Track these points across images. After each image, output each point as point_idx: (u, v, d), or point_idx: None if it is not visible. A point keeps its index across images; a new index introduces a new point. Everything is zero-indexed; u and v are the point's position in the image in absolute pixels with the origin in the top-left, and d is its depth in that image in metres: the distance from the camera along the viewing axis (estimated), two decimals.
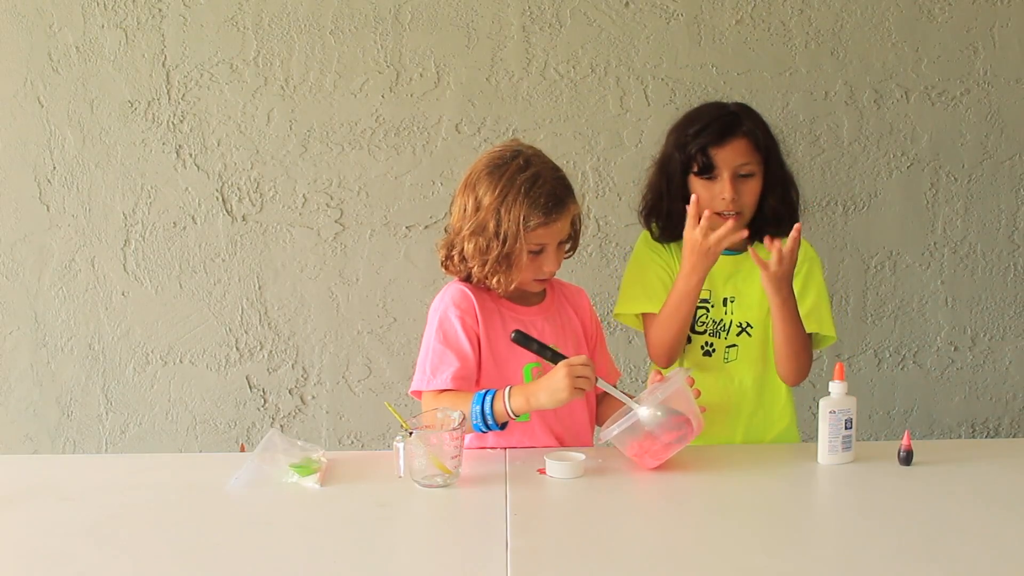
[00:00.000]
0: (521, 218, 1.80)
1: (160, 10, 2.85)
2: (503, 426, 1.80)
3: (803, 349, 2.03)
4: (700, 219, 1.90)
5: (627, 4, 2.88)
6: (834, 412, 1.77)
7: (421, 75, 2.89)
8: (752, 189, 2.02)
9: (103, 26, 2.86)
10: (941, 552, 1.40)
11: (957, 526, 1.50)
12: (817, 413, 1.79)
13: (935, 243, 3.02)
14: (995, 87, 2.96)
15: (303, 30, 2.87)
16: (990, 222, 3.02)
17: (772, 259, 1.89)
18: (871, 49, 2.93)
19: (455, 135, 2.90)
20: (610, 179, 2.93)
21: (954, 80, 2.95)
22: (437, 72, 2.89)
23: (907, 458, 1.77)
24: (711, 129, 2.01)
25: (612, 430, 1.71)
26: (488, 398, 1.77)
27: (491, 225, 1.82)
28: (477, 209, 1.84)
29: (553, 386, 1.72)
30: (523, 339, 1.79)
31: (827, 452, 1.77)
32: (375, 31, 2.87)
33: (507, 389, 1.77)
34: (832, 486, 1.73)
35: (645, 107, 2.91)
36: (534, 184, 1.81)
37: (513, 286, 1.87)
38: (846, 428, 1.77)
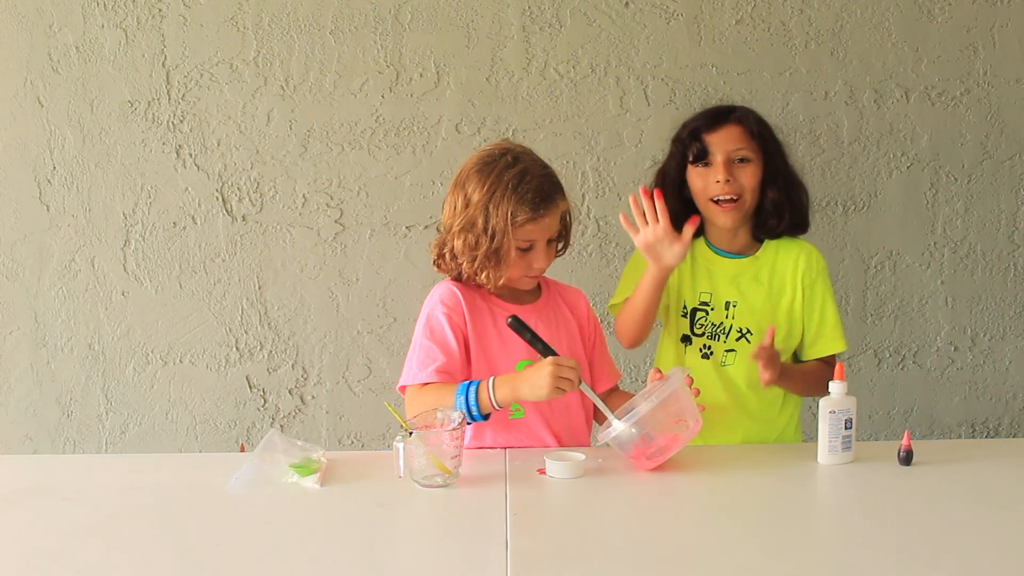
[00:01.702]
0: (509, 214, 1.81)
1: (160, 10, 2.85)
2: (486, 417, 1.80)
3: (816, 388, 2.04)
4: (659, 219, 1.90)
5: (627, 4, 2.88)
6: (834, 412, 1.77)
7: (421, 75, 2.89)
8: (749, 174, 2.01)
9: (103, 26, 2.86)
10: (941, 552, 1.40)
11: (957, 526, 1.50)
12: (817, 413, 1.79)
13: (935, 243, 3.02)
14: (995, 87, 2.96)
15: (303, 30, 2.87)
16: (990, 222, 3.02)
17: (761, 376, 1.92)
18: (871, 49, 2.93)
19: (455, 135, 2.90)
20: (610, 179, 2.93)
21: (954, 80, 2.95)
22: (437, 72, 2.89)
23: (907, 458, 1.77)
24: (704, 117, 2.04)
25: (609, 432, 1.71)
26: (472, 388, 1.77)
27: (480, 221, 1.83)
28: (466, 206, 1.85)
29: (535, 382, 1.73)
30: (518, 325, 1.80)
31: (827, 452, 1.77)
32: (375, 31, 2.87)
33: (491, 380, 1.78)
34: (832, 486, 1.73)
35: (645, 107, 2.91)
36: (521, 180, 1.82)
37: (502, 281, 1.87)
38: (846, 428, 1.77)
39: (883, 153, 2.97)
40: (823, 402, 1.78)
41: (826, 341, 2.08)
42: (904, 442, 1.78)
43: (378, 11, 2.87)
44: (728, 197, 2.00)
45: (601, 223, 2.94)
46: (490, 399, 1.76)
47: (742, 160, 2.01)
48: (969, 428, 3.11)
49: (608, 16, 2.88)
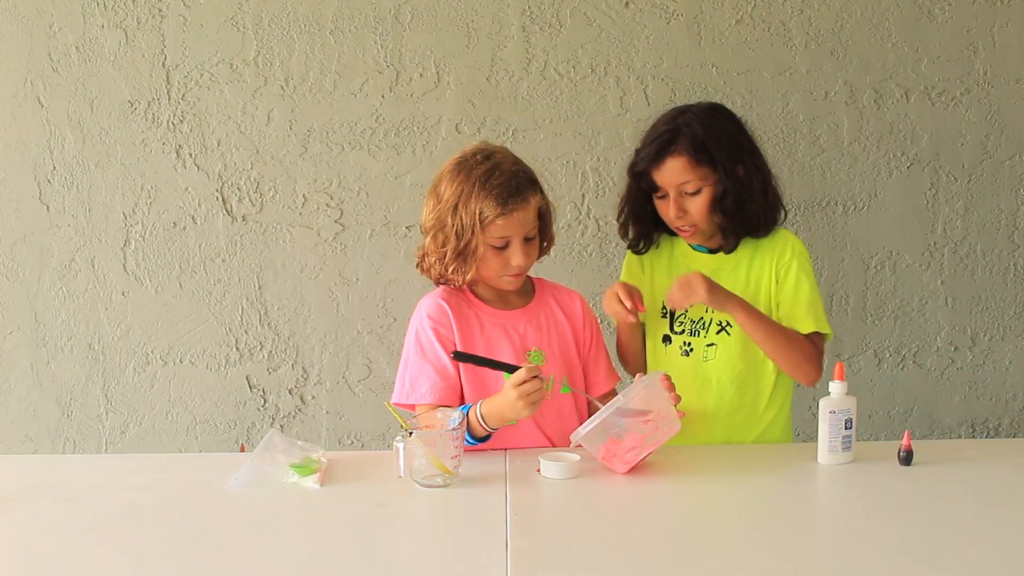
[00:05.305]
0: (478, 213, 1.81)
1: (160, 10, 2.85)
2: (485, 438, 1.82)
3: (793, 351, 2.00)
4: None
5: (627, 4, 2.88)
6: (834, 412, 1.77)
7: (421, 75, 2.89)
8: (699, 205, 2.01)
9: (103, 26, 2.86)
10: (941, 552, 1.40)
11: (957, 526, 1.50)
12: (817, 413, 1.79)
13: (935, 243, 3.02)
14: (995, 87, 2.96)
15: (303, 30, 2.87)
16: (990, 222, 3.02)
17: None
18: (871, 49, 2.93)
19: (455, 135, 2.90)
20: (610, 179, 2.92)
21: (954, 80, 2.95)
22: (437, 72, 2.89)
23: (907, 458, 1.77)
24: (648, 152, 2.02)
25: (579, 431, 1.70)
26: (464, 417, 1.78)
27: (448, 220, 1.83)
28: (438, 207, 1.86)
29: (514, 407, 1.73)
30: (463, 357, 1.81)
31: (827, 452, 1.78)
32: (375, 31, 2.87)
33: (478, 406, 1.78)
34: (832, 486, 1.73)
35: (645, 107, 2.90)
36: (490, 177, 1.82)
37: (469, 277, 1.87)
38: (846, 428, 1.77)
39: (883, 153, 2.97)
40: (823, 402, 1.78)
41: (799, 319, 2.02)
42: (904, 442, 1.78)
43: (378, 11, 2.87)
44: (686, 226, 2.03)
45: (601, 223, 2.94)
46: (480, 425, 1.78)
47: (692, 192, 2.00)
48: (969, 428, 3.11)
49: (608, 16, 2.88)
